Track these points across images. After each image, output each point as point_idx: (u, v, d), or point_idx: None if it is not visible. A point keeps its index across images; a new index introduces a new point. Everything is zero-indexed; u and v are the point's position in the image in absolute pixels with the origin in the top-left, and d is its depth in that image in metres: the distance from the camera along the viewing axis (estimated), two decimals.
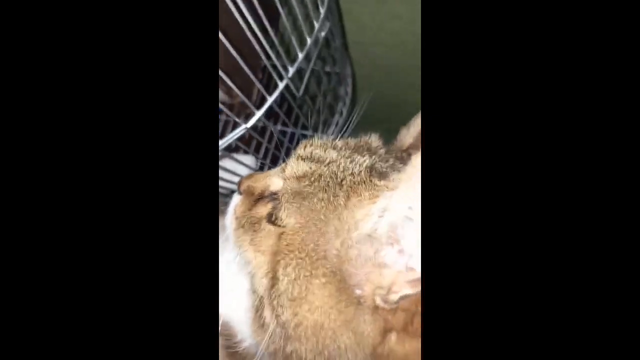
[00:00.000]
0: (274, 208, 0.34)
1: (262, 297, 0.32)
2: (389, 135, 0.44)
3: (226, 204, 0.49)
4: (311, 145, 0.37)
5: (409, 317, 0.27)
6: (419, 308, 0.27)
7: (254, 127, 0.52)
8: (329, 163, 0.33)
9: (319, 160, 0.34)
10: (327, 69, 0.66)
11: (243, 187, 0.40)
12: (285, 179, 0.35)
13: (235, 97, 0.58)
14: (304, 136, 0.66)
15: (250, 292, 0.34)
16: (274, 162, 0.65)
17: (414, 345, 0.28)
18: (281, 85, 0.49)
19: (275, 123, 0.59)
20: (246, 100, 0.48)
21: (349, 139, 0.40)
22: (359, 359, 0.29)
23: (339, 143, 0.38)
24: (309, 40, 0.50)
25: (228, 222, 0.39)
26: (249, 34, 0.41)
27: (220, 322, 0.40)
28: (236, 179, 0.56)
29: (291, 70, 0.49)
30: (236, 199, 0.40)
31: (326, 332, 0.28)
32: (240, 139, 0.51)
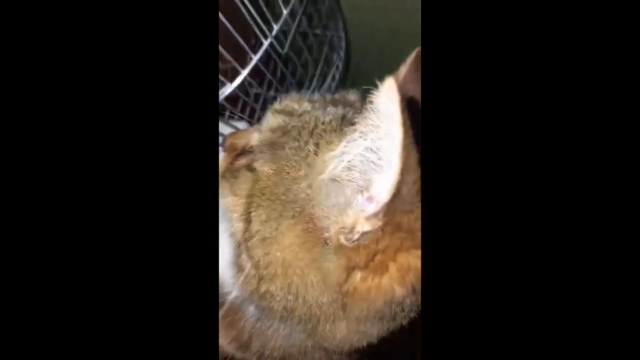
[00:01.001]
0: (252, 160, 0.35)
1: (239, 241, 0.33)
2: None
3: None
4: (287, 99, 0.37)
5: (370, 255, 0.28)
6: (380, 246, 0.28)
7: (245, 93, 0.52)
8: (301, 114, 0.34)
9: (292, 114, 0.34)
10: (317, 31, 0.65)
11: (227, 144, 0.41)
12: (261, 132, 0.35)
13: (227, 63, 0.58)
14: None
15: (229, 237, 0.35)
16: None
17: (376, 282, 0.28)
18: (265, 43, 0.48)
19: (267, 88, 0.59)
20: (236, 65, 0.48)
21: (327, 95, 0.41)
22: (326, 296, 0.30)
23: (315, 97, 0.38)
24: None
25: None
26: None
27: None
28: None
29: (275, 28, 0.49)
30: (221, 155, 0.42)
31: (294, 270, 0.29)
32: (235, 104, 0.51)
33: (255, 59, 0.47)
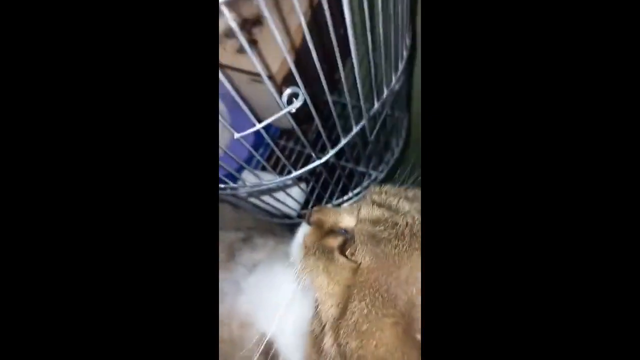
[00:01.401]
0: (344, 241, 0.36)
1: (325, 324, 0.32)
2: None
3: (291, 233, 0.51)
4: (385, 192, 0.38)
5: None
6: None
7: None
8: (403, 214, 0.34)
9: (392, 209, 0.35)
10: (390, 112, 0.69)
11: (313, 218, 0.42)
12: (359, 221, 0.36)
13: (307, 130, 0.61)
14: (357, 172, 0.68)
15: (312, 318, 0.35)
16: (319, 199, 0.68)
17: None
18: (356, 129, 0.52)
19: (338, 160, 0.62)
20: (323, 134, 0.51)
21: (418, 189, 0.42)
22: None
23: (410, 193, 0.39)
24: (385, 92, 0.54)
25: (295, 250, 0.41)
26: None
27: (266, 343, 0.41)
28: (284, 208, 0.58)
29: (367, 116, 0.53)
30: (305, 229, 0.42)
31: None
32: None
33: (345, 140, 0.50)
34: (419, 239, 0.31)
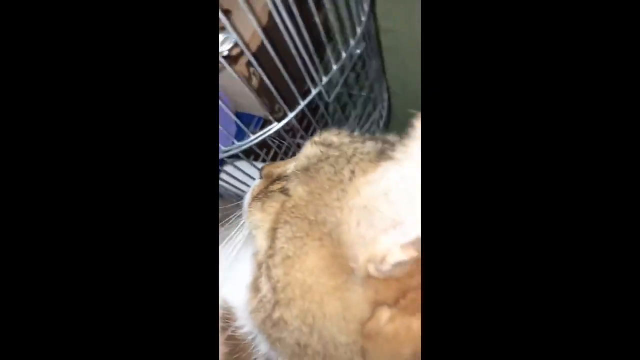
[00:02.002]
0: (286, 183, 0.34)
1: (260, 261, 0.31)
2: None
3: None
4: (327, 132, 0.37)
5: (401, 290, 0.24)
6: (413, 282, 0.25)
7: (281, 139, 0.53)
8: (339, 146, 0.33)
9: (330, 145, 0.34)
10: (363, 92, 0.68)
11: (264, 172, 0.41)
12: (297, 159, 0.35)
13: (279, 111, 0.62)
14: None
15: (252, 258, 0.33)
16: None
17: (405, 324, 0.25)
18: (314, 91, 0.52)
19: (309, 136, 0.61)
20: (284, 107, 0.51)
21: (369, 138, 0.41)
22: (345, 335, 0.26)
23: (355, 133, 0.38)
24: (343, 54, 0.54)
25: (245, 204, 0.40)
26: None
27: (222, 307, 0.39)
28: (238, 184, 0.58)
29: (325, 79, 0.53)
30: (255, 183, 0.42)
31: (313, 296, 0.26)
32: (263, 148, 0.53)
33: (302, 103, 0.50)
34: (352, 163, 0.29)
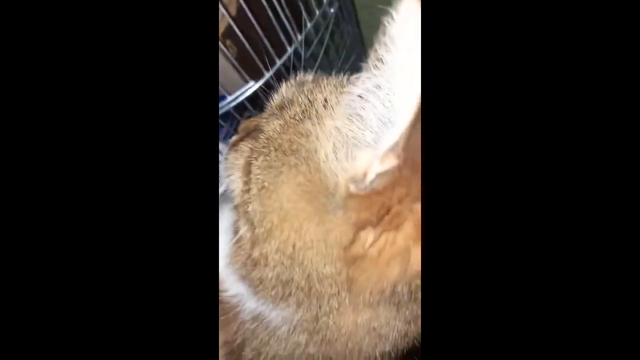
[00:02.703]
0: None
1: (237, 203, 0.29)
2: None
3: None
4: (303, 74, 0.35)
5: (384, 206, 0.22)
6: (396, 193, 0.22)
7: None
8: (314, 81, 0.31)
9: (304, 83, 0.32)
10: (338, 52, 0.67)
11: (241, 126, 0.38)
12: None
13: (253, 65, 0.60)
14: None
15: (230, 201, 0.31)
16: None
17: (390, 241, 0.23)
18: (290, 50, 0.50)
19: None
20: (261, 66, 0.49)
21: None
22: (328, 264, 0.24)
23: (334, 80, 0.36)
24: (317, 12, 0.52)
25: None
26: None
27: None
28: None
29: (300, 37, 0.51)
30: (233, 138, 0.40)
31: (292, 224, 0.24)
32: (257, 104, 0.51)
33: (279, 62, 0.49)
34: (327, 93, 0.27)
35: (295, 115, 0.27)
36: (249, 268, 0.27)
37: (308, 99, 0.28)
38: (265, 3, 0.44)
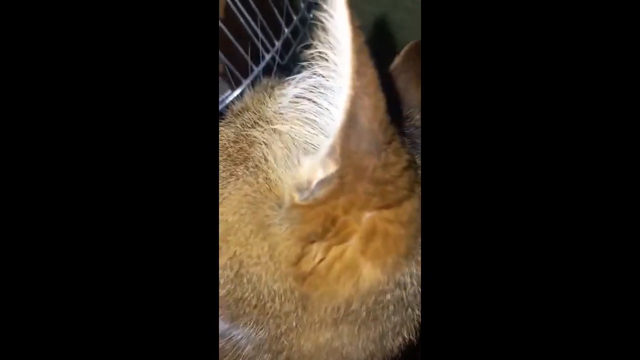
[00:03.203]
0: None
1: None
2: None
3: None
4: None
5: (329, 216, 0.20)
6: (340, 201, 0.20)
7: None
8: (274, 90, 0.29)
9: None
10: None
11: None
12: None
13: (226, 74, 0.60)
14: None
15: None
16: None
17: (337, 255, 0.21)
18: (267, 57, 0.49)
19: None
20: (238, 74, 0.49)
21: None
22: (279, 281, 0.22)
23: None
24: (295, 18, 0.51)
25: None
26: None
27: None
28: None
29: (277, 44, 0.50)
30: None
31: (238, 238, 0.22)
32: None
33: (256, 69, 0.48)
34: (277, 95, 0.26)
35: (247, 121, 0.26)
36: None
37: (262, 103, 0.27)
38: (239, 13, 0.43)
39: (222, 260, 0.23)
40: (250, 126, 0.25)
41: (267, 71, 0.48)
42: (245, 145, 0.25)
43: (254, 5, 0.44)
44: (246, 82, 0.47)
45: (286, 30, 0.48)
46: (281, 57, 0.48)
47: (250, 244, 0.22)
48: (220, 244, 0.23)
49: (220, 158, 0.25)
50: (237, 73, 0.46)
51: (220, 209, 0.23)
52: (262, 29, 0.46)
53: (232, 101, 0.58)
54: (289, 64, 0.50)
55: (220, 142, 0.26)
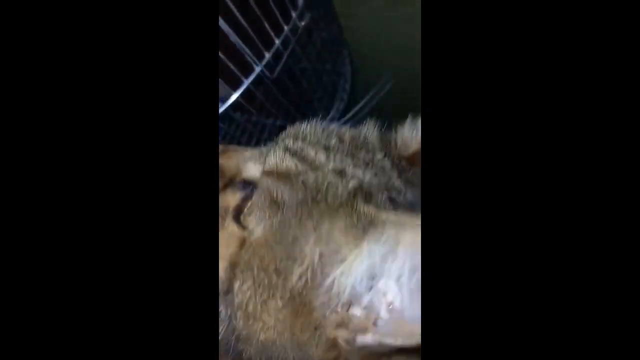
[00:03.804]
0: (243, 201, 0.29)
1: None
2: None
3: None
4: (303, 139, 0.30)
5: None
6: None
7: (231, 122, 0.51)
8: (315, 168, 0.28)
9: (306, 160, 0.28)
10: (312, 62, 0.62)
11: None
12: (265, 172, 0.29)
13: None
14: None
15: None
16: None
17: None
18: (257, 69, 0.49)
19: (266, 116, 0.59)
20: (227, 87, 0.49)
21: (346, 130, 0.32)
22: None
23: (333, 141, 0.30)
24: (285, 28, 0.51)
25: None
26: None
27: None
28: None
29: (267, 56, 0.50)
30: None
31: (277, 348, 0.25)
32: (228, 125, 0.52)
33: (246, 82, 0.48)
34: (322, 208, 0.25)
35: (289, 229, 0.26)
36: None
37: (307, 209, 0.26)
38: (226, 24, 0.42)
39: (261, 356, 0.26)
40: (296, 243, 0.26)
41: (259, 84, 0.48)
42: (285, 256, 0.26)
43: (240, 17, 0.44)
44: (236, 94, 0.48)
45: (276, 42, 0.48)
46: (271, 69, 0.49)
47: (289, 355, 0.26)
48: (260, 346, 0.26)
49: (254, 259, 0.26)
50: (224, 86, 0.47)
51: (259, 324, 0.25)
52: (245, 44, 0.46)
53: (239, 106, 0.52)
54: (285, 78, 0.50)
55: (255, 258, 0.26)
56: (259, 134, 0.59)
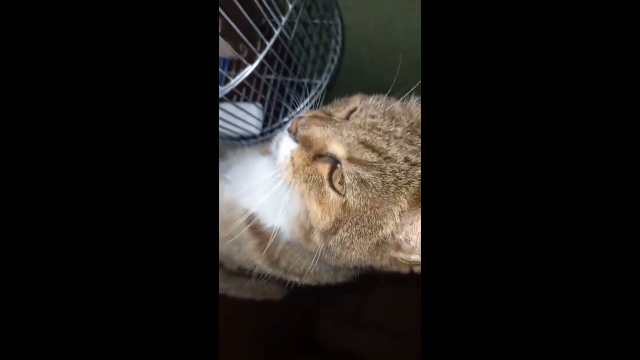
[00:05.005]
0: (332, 169, 0.38)
1: (313, 227, 0.39)
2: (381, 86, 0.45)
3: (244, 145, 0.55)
4: (372, 116, 0.39)
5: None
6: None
7: (251, 80, 0.58)
8: (390, 159, 0.37)
9: (380, 152, 0.37)
10: (315, 20, 0.67)
11: (300, 134, 0.38)
12: (349, 157, 0.37)
13: (244, 51, 0.66)
14: (302, 84, 0.68)
15: (301, 215, 0.40)
16: (277, 115, 0.67)
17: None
18: (276, 32, 0.56)
19: (276, 71, 0.66)
20: (253, 48, 0.55)
21: (389, 103, 0.41)
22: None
23: (397, 128, 0.39)
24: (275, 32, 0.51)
25: (282, 163, 0.40)
26: None
27: (245, 212, 0.47)
28: (239, 123, 0.58)
29: (284, 20, 0.57)
30: (288, 143, 0.40)
31: (359, 262, 0.41)
32: (242, 89, 0.59)
33: (269, 45, 0.53)
34: (402, 187, 0.36)
35: (374, 203, 0.38)
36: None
37: (387, 193, 0.38)
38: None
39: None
40: (380, 210, 0.39)
41: (276, 47, 0.54)
42: (376, 221, 0.41)
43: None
44: (261, 56, 0.54)
45: (290, 6, 0.54)
46: (288, 32, 0.55)
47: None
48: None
49: (357, 223, 0.40)
50: (249, 43, 0.51)
51: (350, 251, 0.41)
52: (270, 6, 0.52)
53: (267, 87, 0.62)
54: (295, 40, 0.56)
55: (355, 214, 0.39)
56: (278, 92, 0.64)
